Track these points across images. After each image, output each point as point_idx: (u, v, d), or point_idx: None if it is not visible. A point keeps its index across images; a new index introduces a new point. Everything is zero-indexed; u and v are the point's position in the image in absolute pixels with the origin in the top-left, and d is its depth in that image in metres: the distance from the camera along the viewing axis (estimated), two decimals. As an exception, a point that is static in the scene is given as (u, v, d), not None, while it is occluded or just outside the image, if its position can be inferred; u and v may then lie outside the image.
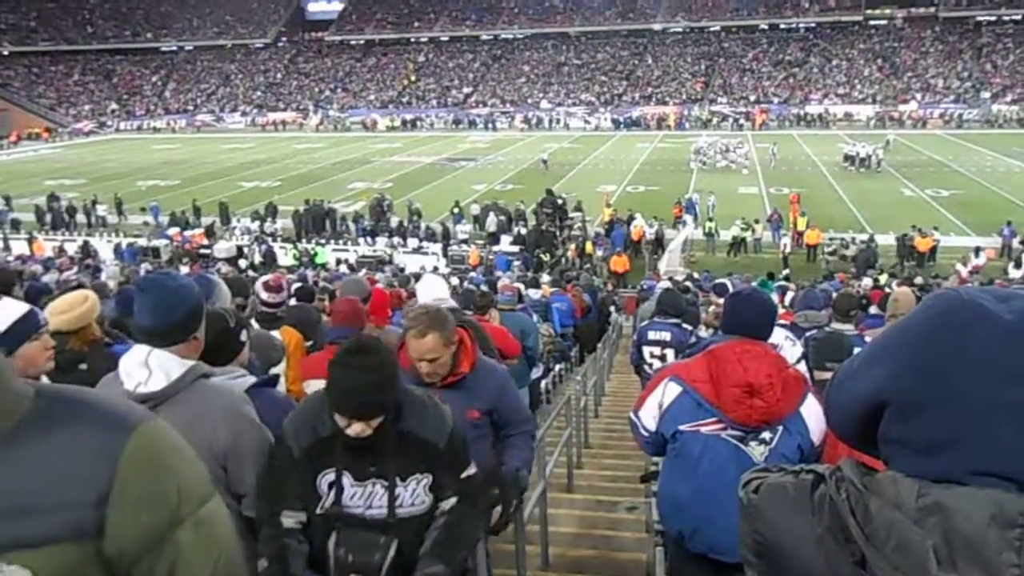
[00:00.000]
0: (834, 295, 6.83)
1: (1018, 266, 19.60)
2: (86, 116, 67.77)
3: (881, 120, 52.01)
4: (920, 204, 28.10)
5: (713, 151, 37.45)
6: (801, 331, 5.52)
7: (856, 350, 4.38)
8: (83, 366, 3.10)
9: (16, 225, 27.59)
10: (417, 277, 14.67)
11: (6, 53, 72.63)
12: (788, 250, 22.52)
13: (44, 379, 2.40)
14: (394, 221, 26.07)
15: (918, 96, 55.63)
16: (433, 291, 4.17)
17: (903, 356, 0.91)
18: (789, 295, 13.10)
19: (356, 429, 2.07)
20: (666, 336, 5.78)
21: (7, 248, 24.16)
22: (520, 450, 3.11)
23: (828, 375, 3.30)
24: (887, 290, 12.13)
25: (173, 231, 24.98)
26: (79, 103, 70.43)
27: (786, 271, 20.09)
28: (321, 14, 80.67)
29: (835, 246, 22.45)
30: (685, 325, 6.00)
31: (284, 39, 78.56)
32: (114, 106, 70.53)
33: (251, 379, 2.43)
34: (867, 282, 16.65)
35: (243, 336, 2.54)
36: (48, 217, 27.97)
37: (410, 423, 2.24)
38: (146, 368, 2.07)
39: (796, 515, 0.96)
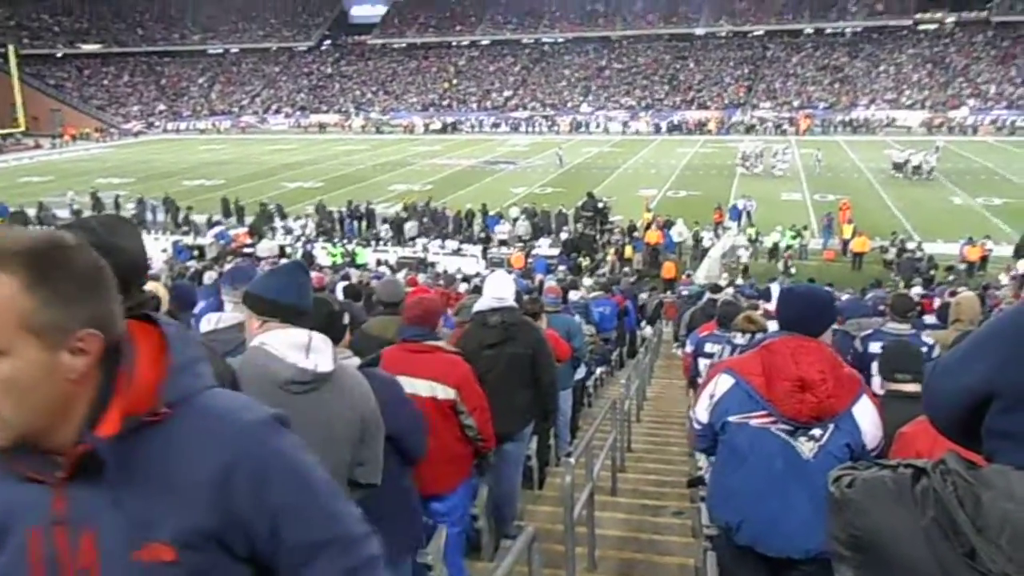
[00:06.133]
0: (888, 300, 6.71)
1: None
2: (135, 116, 69.28)
3: (930, 127, 50.94)
4: (971, 213, 27.42)
5: (763, 157, 36.96)
6: (851, 338, 5.46)
7: (931, 352, 4.29)
8: None
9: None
10: (466, 282, 14.72)
11: (59, 55, 74.55)
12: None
13: None
14: (411, 228, 25.80)
15: (969, 102, 54.36)
16: (498, 289, 4.14)
17: (1011, 348, 0.90)
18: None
19: None
20: (726, 350, 5.72)
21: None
22: None
23: (899, 387, 3.24)
24: (938, 299, 11.85)
25: (241, 231, 25.50)
26: (128, 104, 72.02)
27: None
28: (364, 18, 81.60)
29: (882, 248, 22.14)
30: (740, 339, 5.92)
31: (328, 42, 79.54)
32: (162, 107, 72.00)
33: (357, 360, 2.62)
34: (917, 290, 16.30)
35: (346, 319, 2.74)
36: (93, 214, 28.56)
37: None
38: (309, 350, 2.18)
39: (899, 508, 0.95)
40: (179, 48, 78.35)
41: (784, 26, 66.74)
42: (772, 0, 68.87)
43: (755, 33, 67.81)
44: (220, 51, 78.90)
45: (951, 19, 63.99)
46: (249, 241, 24.55)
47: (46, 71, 71.45)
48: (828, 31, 66.22)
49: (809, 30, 66.28)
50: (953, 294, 15.16)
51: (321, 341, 2.24)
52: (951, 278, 18.87)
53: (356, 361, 2.67)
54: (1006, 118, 50.92)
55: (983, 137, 47.80)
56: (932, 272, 19.78)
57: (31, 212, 28.36)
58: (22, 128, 59.26)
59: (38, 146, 57.53)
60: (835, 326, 6.20)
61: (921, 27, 64.22)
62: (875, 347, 4.96)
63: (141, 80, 75.81)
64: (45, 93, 68.06)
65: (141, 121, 68.22)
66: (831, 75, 61.68)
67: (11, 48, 61.50)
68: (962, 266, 20.85)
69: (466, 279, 14.98)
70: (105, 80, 74.88)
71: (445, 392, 3.48)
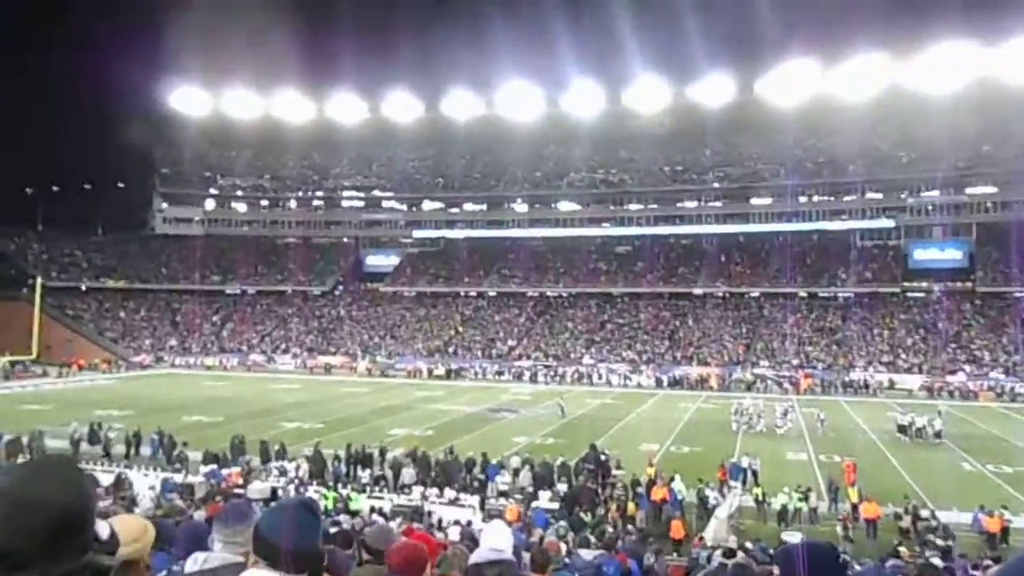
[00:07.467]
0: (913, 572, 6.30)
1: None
2: (145, 350, 70.66)
3: (931, 390, 51.33)
4: (983, 480, 26.77)
5: (763, 415, 37.04)
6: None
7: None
8: None
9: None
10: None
11: (83, 288, 77.72)
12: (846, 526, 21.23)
13: None
14: (408, 475, 24.99)
15: (965, 368, 55.25)
16: (496, 540, 3.90)
17: None
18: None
19: None
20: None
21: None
22: None
23: None
24: (960, 572, 11.20)
25: (233, 471, 24.88)
26: (141, 337, 73.81)
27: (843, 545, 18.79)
28: (378, 267, 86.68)
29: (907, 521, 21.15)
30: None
31: (341, 287, 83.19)
32: (173, 342, 73.66)
33: None
34: (935, 561, 15.44)
35: (324, 561, 2.53)
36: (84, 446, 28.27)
37: None
38: None
39: None
40: (198, 287, 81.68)
41: (778, 289, 69.70)
42: (766, 265, 72.75)
43: (751, 294, 70.76)
44: (237, 291, 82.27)
45: (938, 288, 66.99)
46: (240, 481, 23.85)
47: (68, 302, 74.09)
48: (821, 295, 69.10)
49: (803, 294, 69.19)
50: (976, 567, 14.41)
51: None
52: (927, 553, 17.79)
53: None
54: (1004, 384, 51.44)
55: (984, 403, 47.95)
56: (950, 543, 18.84)
57: (25, 440, 28.03)
58: (33, 356, 60.23)
59: (45, 374, 58.23)
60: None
61: (910, 294, 67.07)
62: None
63: (157, 315, 78.27)
64: (63, 323, 70.12)
65: (151, 355, 69.47)
66: (827, 337, 63.42)
67: (39, 280, 64.35)
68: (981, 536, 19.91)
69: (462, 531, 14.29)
70: (122, 313, 77.35)
71: None
